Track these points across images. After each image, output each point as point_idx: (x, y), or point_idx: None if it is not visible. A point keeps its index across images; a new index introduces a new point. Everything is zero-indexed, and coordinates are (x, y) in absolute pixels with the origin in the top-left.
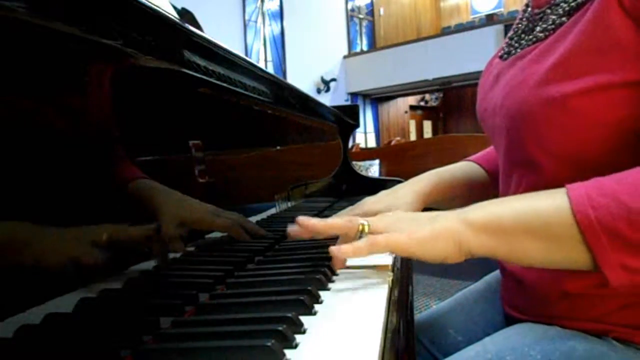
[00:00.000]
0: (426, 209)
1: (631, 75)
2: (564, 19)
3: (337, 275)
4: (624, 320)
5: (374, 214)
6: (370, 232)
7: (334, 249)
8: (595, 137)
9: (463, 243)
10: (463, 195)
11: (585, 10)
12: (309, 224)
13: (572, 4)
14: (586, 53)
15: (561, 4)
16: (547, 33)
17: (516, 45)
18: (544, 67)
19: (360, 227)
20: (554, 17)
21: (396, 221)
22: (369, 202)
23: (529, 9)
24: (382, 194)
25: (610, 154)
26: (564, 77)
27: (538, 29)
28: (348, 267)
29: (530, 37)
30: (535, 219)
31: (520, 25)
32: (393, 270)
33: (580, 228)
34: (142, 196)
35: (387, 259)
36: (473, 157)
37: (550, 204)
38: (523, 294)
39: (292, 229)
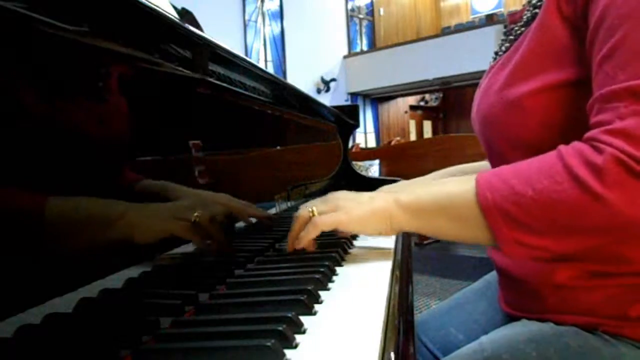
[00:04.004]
0: None
1: (573, 75)
2: (523, 29)
3: (337, 275)
4: (613, 311)
5: None
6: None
7: (290, 248)
8: (553, 132)
9: (394, 220)
10: None
11: (537, 18)
12: (290, 249)
13: (529, 15)
14: (535, 56)
15: (523, 17)
16: (511, 43)
17: (497, 58)
18: (505, 73)
19: (310, 214)
20: (516, 28)
21: (338, 202)
22: (386, 187)
23: (508, 24)
24: (401, 182)
25: None
26: (519, 79)
27: (508, 41)
28: (351, 267)
29: (503, 48)
30: (448, 201)
31: (502, 39)
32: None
33: (481, 209)
34: (153, 193)
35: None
36: None
37: (461, 188)
38: (517, 289)
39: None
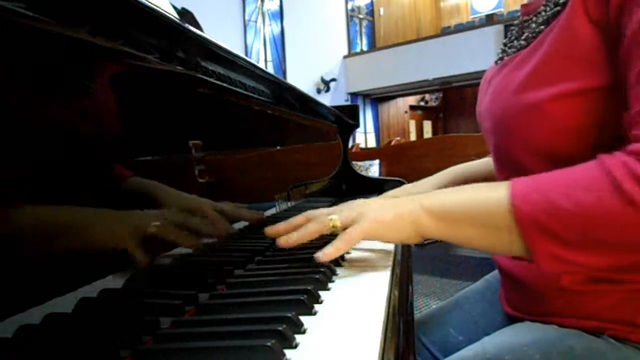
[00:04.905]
0: None
1: (598, 82)
2: (542, 27)
3: (337, 275)
4: (620, 316)
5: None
6: (342, 225)
7: (319, 256)
8: (572, 139)
9: (419, 226)
10: None
11: (560, 19)
12: (273, 231)
13: (549, 12)
14: (558, 60)
15: (542, 13)
16: (529, 40)
17: (508, 51)
18: (522, 74)
19: (332, 223)
20: (534, 25)
21: (362, 209)
22: (391, 192)
23: (521, 16)
24: (405, 186)
25: (588, 154)
26: (539, 83)
27: (523, 36)
28: (351, 266)
29: (517, 44)
30: (478, 209)
31: (513, 31)
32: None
33: (515, 220)
34: (142, 193)
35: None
36: None
37: (492, 196)
38: (521, 292)
39: (278, 237)
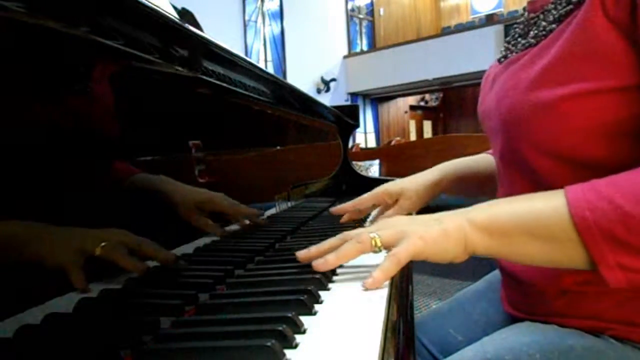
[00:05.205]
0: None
1: (616, 82)
2: (553, 25)
3: (337, 275)
4: (620, 317)
5: (390, 194)
6: (383, 244)
7: (369, 283)
8: (586, 139)
9: (468, 243)
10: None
11: (574, 17)
12: (305, 256)
13: (562, 11)
14: (573, 59)
15: (552, 11)
16: (538, 39)
17: (512, 48)
18: (533, 73)
19: (373, 242)
20: (545, 23)
21: (403, 227)
22: (384, 186)
23: (526, 13)
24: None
25: (602, 154)
26: (551, 82)
27: (531, 34)
28: (351, 267)
29: (524, 42)
30: (534, 221)
31: (517, 29)
32: None
33: (578, 230)
34: (149, 188)
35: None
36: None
37: (548, 205)
38: (522, 292)
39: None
